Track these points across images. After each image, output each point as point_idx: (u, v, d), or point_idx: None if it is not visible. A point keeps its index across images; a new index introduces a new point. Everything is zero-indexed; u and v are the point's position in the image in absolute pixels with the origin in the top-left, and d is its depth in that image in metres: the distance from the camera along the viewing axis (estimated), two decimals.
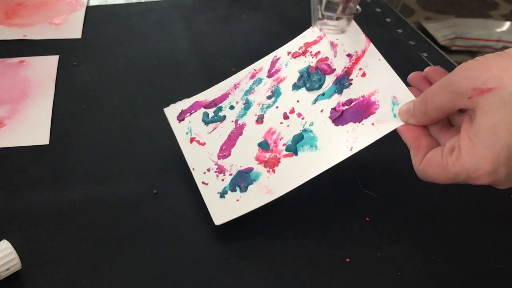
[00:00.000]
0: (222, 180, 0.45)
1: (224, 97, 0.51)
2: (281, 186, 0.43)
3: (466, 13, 2.20)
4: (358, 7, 0.42)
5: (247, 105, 0.49)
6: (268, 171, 0.44)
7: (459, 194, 0.49)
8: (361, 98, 0.43)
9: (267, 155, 0.45)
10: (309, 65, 0.47)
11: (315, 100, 0.45)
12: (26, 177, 0.49)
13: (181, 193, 0.48)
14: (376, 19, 0.79)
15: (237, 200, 0.44)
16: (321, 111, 0.45)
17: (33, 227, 0.44)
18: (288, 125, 0.46)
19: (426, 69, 0.41)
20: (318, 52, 0.47)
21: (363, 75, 0.43)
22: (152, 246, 0.43)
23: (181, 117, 0.51)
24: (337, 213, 0.46)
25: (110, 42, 0.71)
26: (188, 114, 0.51)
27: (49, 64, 0.65)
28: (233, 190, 0.45)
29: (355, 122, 0.42)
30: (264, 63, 0.51)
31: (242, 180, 0.45)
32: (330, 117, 0.44)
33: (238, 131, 0.48)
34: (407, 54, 0.70)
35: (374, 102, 0.42)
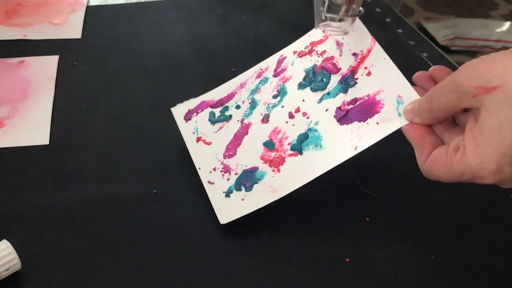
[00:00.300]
0: (228, 179, 0.46)
1: (230, 96, 0.51)
2: (286, 185, 0.43)
3: (466, 13, 2.20)
4: (361, 8, 0.42)
5: (253, 104, 0.49)
6: (273, 170, 0.45)
7: (459, 194, 0.49)
8: (366, 97, 0.42)
9: (272, 154, 0.45)
10: (315, 64, 0.47)
11: (321, 99, 0.45)
12: (26, 177, 0.49)
13: (181, 193, 0.48)
14: (376, 19, 0.79)
15: (242, 200, 0.44)
16: (326, 110, 0.45)
17: (33, 227, 0.44)
18: (293, 124, 0.46)
19: (431, 68, 0.41)
20: (324, 51, 0.47)
21: (368, 74, 0.43)
22: (152, 246, 0.43)
23: (187, 117, 0.51)
24: (337, 213, 0.46)
25: (110, 42, 0.71)
26: (195, 114, 0.51)
27: (49, 64, 0.65)
28: (239, 189, 0.45)
29: (359, 121, 0.42)
30: (270, 62, 0.51)
31: (248, 179, 0.45)
32: (335, 116, 0.44)
33: (244, 130, 0.48)
34: (407, 54, 0.70)
35: (379, 101, 0.42)
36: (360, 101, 0.43)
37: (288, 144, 0.45)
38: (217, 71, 0.64)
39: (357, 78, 0.44)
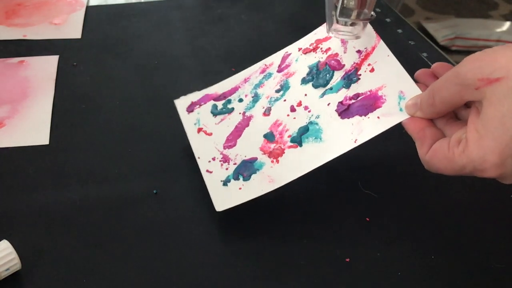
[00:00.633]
0: (226, 169, 0.46)
1: (233, 90, 0.52)
2: (283, 176, 0.43)
3: (466, 13, 2.20)
4: (372, 12, 0.42)
5: (256, 98, 0.50)
6: (272, 161, 0.45)
7: (459, 194, 0.49)
8: (368, 92, 0.43)
9: (272, 145, 0.46)
10: (319, 61, 0.47)
11: (323, 94, 0.46)
12: (26, 177, 0.49)
13: (181, 193, 0.48)
14: (376, 19, 0.79)
15: (240, 189, 0.44)
16: (328, 104, 0.45)
17: (33, 227, 0.44)
18: (294, 118, 0.46)
19: (434, 65, 0.41)
20: (329, 49, 0.48)
21: (372, 70, 0.43)
22: (152, 246, 0.43)
23: (190, 109, 0.52)
24: (337, 213, 0.46)
25: (110, 42, 0.71)
26: (198, 106, 0.52)
27: (49, 64, 0.65)
28: (236, 178, 0.45)
29: (360, 116, 0.42)
30: (275, 58, 0.52)
31: (246, 169, 0.45)
32: (336, 110, 0.44)
33: (245, 122, 0.48)
34: (407, 54, 0.70)
35: (381, 96, 0.42)
36: (362, 96, 0.43)
37: (288, 137, 0.45)
38: (217, 71, 0.64)
39: (360, 75, 0.44)
